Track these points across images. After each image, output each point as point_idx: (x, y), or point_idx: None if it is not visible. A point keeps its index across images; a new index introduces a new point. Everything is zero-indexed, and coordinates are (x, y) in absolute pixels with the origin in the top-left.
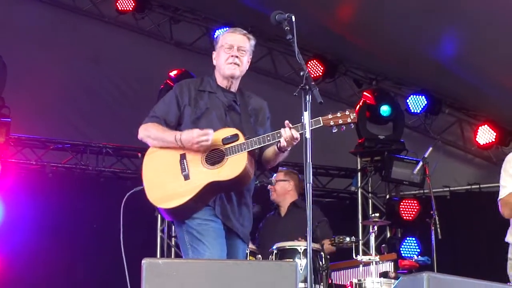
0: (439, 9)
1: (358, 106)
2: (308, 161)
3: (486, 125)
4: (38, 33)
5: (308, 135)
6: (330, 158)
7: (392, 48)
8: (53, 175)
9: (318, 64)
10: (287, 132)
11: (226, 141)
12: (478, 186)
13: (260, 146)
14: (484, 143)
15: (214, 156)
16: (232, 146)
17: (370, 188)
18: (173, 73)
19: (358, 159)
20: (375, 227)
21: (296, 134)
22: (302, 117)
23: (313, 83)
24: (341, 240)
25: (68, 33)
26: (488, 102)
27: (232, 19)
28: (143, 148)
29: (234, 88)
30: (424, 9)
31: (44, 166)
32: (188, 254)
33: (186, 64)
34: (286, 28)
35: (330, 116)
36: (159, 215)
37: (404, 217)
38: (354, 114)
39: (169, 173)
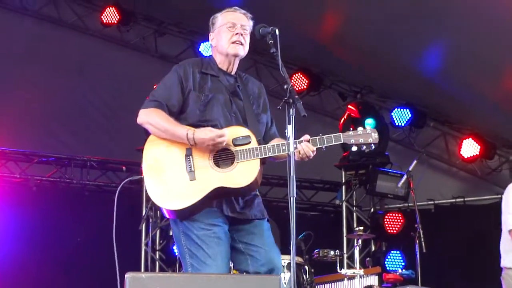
0: (424, 23)
1: (343, 119)
2: (291, 174)
3: (470, 139)
4: (23, 46)
5: (292, 148)
6: (314, 171)
7: (376, 61)
8: (37, 189)
9: (303, 77)
10: (304, 147)
11: (237, 142)
12: (462, 199)
13: (273, 155)
14: (469, 156)
15: (223, 157)
16: (243, 150)
17: (354, 202)
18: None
19: (343, 173)
20: (360, 241)
21: (310, 152)
22: (286, 130)
23: (296, 96)
24: (325, 253)
25: (53, 46)
26: (473, 115)
27: None
28: (128, 161)
29: (234, 71)
30: (409, 23)
31: (28, 179)
32: (186, 258)
33: None
34: (270, 41)
35: (351, 133)
36: (143, 229)
37: (389, 231)
38: (376, 134)
39: (173, 169)
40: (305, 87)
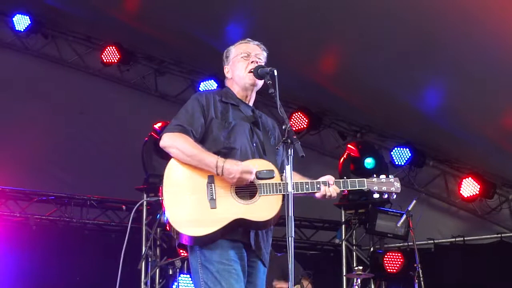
0: (423, 61)
1: (342, 158)
2: (290, 214)
3: (470, 178)
4: (23, 84)
5: (290, 189)
6: (314, 211)
7: (376, 101)
8: (37, 227)
9: (303, 116)
10: (327, 189)
11: (260, 175)
12: (462, 238)
13: (296, 193)
14: (468, 195)
15: (245, 188)
16: (267, 184)
17: (354, 241)
18: (157, 125)
19: (343, 212)
20: (359, 280)
21: (335, 193)
22: (285, 171)
23: (295, 136)
24: None
25: (53, 85)
26: (472, 154)
27: (217, 71)
28: (128, 201)
29: (251, 102)
30: (408, 62)
31: (28, 218)
32: None
33: (171, 116)
34: (268, 82)
35: (374, 180)
36: (142, 268)
37: (388, 270)
38: (399, 183)
39: (194, 195)
40: (305, 126)
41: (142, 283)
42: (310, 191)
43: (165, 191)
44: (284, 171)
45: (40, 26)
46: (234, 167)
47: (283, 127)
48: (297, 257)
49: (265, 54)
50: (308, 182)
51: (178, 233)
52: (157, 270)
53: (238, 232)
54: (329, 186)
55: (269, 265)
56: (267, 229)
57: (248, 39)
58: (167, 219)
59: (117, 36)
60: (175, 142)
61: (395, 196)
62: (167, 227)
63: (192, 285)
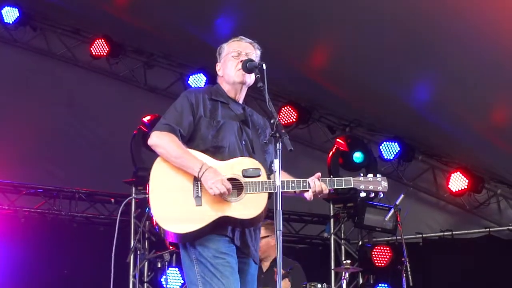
0: (412, 56)
1: (331, 152)
2: (278, 208)
3: (458, 172)
4: (11, 77)
5: (278, 182)
6: (303, 204)
7: (365, 95)
8: (25, 220)
9: (292, 110)
10: (316, 186)
11: (246, 173)
12: (450, 232)
13: (284, 191)
14: (457, 190)
15: (232, 187)
16: (252, 182)
17: (343, 235)
18: (146, 118)
19: (331, 206)
20: (347, 274)
21: (326, 190)
22: (273, 165)
23: (283, 130)
24: (313, 286)
25: (42, 77)
26: (461, 149)
27: (206, 64)
28: (117, 194)
29: (241, 100)
30: (397, 56)
31: (16, 211)
32: (197, 285)
33: (160, 109)
34: (257, 75)
35: (361, 179)
36: (131, 261)
37: (377, 264)
38: (386, 183)
39: (180, 193)
40: (294, 120)
41: (131, 276)
42: (297, 189)
43: (151, 189)
44: (273, 165)
45: (29, 18)
46: (214, 175)
47: (272, 121)
48: (285, 251)
49: (258, 52)
50: (294, 180)
51: (164, 230)
52: (146, 263)
53: (226, 229)
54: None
55: None
56: (255, 227)
57: (241, 36)
58: (152, 216)
59: (106, 29)
60: (161, 141)
61: (382, 195)
62: (154, 225)
63: (180, 278)
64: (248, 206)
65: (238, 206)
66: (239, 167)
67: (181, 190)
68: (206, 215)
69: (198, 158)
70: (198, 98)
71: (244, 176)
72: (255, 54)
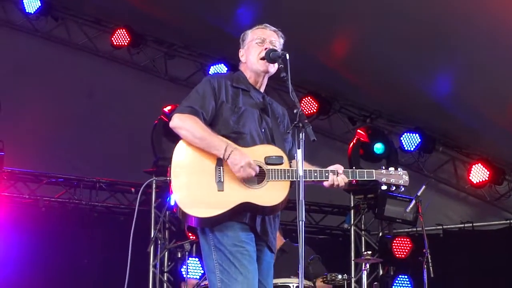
0: (434, 48)
1: (352, 143)
2: (301, 199)
3: (479, 164)
4: (32, 66)
5: (301, 172)
6: (323, 195)
7: (386, 86)
8: (46, 209)
9: (313, 101)
10: (336, 179)
11: (269, 160)
12: (471, 224)
13: (304, 180)
14: (478, 181)
15: None
16: (275, 170)
17: (363, 226)
18: (167, 109)
19: (352, 197)
20: (367, 265)
21: (343, 182)
22: (296, 154)
23: (306, 120)
24: (333, 277)
25: (63, 67)
26: (482, 140)
27: (227, 55)
28: (137, 183)
29: (263, 88)
30: (419, 48)
31: (37, 200)
32: (215, 273)
33: (181, 100)
34: (280, 65)
35: (383, 172)
36: (151, 251)
37: (397, 255)
38: (407, 177)
39: (202, 177)
40: (314, 111)
41: (151, 266)
42: (319, 179)
43: (173, 172)
44: (295, 156)
45: (50, 8)
46: (241, 157)
47: (295, 111)
48: (306, 241)
49: (281, 40)
50: (316, 170)
51: (184, 214)
52: (166, 253)
53: (246, 216)
54: (337, 175)
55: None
56: (275, 215)
57: (266, 24)
58: (174, 200)
59: (127, 19)
60: (185, 123)
61: (402, 189)
62: (174, 209)
63: (200, 268)
64: (270, 193)
65: (260, 193)
66: (262, 153)
67: (203, 174)
68: (228, 200)
69: (223, 140)
70: (220, 83)
71: (267, 164)
72: (279, 42)
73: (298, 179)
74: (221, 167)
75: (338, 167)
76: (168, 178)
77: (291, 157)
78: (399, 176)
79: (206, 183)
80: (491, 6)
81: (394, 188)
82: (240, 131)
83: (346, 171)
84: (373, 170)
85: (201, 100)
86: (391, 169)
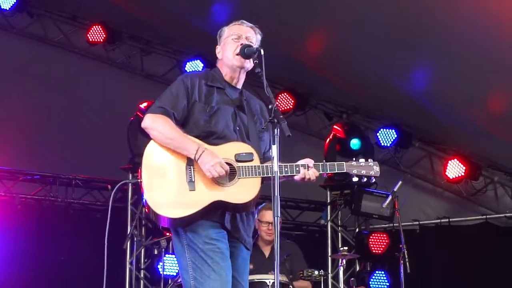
0: (410, 43)
1: (328, 139)
2: (276, 194)
3: (455, 159)
4: (8, 63)
5: (276, 168)
6: (300, 191)
7: (362, 82)
8: (22, 207)
9: (289, 97)
10: (307, 172)
11: (239, 157)
12: (447, 219)
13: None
14: (454, 177)
15: None
16: (245, 167)
17: (339, 222)
18: (143, 105)
19: (328, 193)
20: (344, 261)
21: (314, 176)
22: (271, 150)
23: (281, 116)
24: (309, 273)
25: (39, 64)
26: (458, 136)
27: (203, 51)
28: (113, 180)
29: (240, 84)
30: (395, 43)
31: (13, 197)
32: (188, 271)
33: (157, 96)
34: (255, 61)
35: (353, 164)
36: (128, 248)
37: (374, 251)
38: (378, 167)
39: (173, 177)
40: (290, 107)
41: (127, 263)
42: (290, 173)
43: (144, 173)
44: (270, 151)
45: (26, 4)
46: (211, 157)
47: (270, 106)
48: (282, 237)
49: (259, 37)
50: (287, 165)
51: (156, 215)
52: (142, 250)
53: (216, 214)
54: (308, 169)
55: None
56: (247, 211)
57: (243, 20)
58: (145, 201)
59: (103, 15)
60: (156, 124)
61: (373, 180)
62: (146, 209)
63: (177, 265)
64: (241, 191)
65: (231, 191)
66: (232, 151)
67: (174, 175)
68: (199, 199)
69: (194, 140)
70: (194, 82)
71: (237, 161)
72: (255, 38)
73: (273, 175)
74: (192, 167)
75: (309, 161)
76: (139, 180)
77: (266, 159)
78: (369, 167)
79: (177, 183)
80: (467, 3)
81: (365, 179)
82: (212, 131)
83: (316, 164)
84: (344, 163)
85: (173, 100)
86: (362, 160)
